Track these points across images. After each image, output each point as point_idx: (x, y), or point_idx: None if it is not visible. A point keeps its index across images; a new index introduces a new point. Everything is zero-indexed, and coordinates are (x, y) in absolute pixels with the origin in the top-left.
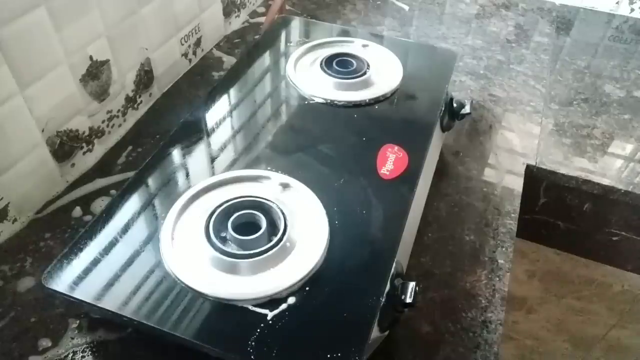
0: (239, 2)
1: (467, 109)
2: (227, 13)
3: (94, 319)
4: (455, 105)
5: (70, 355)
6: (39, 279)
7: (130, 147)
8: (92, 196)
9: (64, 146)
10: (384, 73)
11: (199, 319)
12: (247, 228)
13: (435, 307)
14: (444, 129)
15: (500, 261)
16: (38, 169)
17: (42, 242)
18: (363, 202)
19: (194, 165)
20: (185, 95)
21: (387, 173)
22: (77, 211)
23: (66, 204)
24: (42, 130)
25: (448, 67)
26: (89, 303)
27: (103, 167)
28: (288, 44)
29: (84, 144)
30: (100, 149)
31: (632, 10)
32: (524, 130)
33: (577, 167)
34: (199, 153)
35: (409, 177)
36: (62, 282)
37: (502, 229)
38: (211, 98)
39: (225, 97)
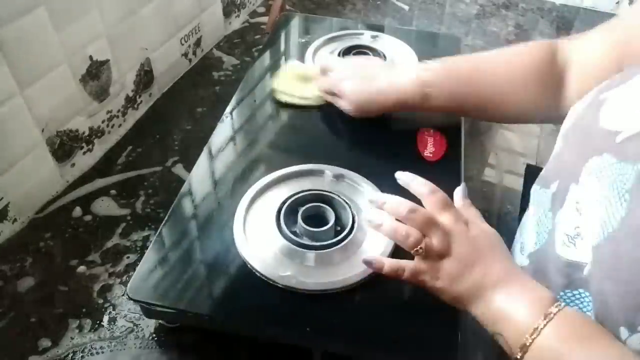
0: (239, 2)
1: None
2: (227, 13)
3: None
4: None
5: (70, 355)
6: (39, 279)
7: (130, 147)
8: (92, 196)
9: (64, 146)
10: (400, 61)
11: (291, 314)
12: (313, 220)
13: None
14: None
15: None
16: (38, 169)
17: (42, 242)
18: None
19: (243, 166)
20: (185, 95)
21: (431, 155)
22: (77, 211)
23: (66, 204)
24: (42, 130)
25: (455, 50)
26: (181, 310)
27: (103, 167)
28: (300, 40)
29: (84, 144)
30: (100, 149)
31: None
32: (524, 130)
33: None
34: (246, 154)
35: (451, 156)
36: (147, 292)
37: (502, 228)
38: (237, 100)
39: (249, 99)
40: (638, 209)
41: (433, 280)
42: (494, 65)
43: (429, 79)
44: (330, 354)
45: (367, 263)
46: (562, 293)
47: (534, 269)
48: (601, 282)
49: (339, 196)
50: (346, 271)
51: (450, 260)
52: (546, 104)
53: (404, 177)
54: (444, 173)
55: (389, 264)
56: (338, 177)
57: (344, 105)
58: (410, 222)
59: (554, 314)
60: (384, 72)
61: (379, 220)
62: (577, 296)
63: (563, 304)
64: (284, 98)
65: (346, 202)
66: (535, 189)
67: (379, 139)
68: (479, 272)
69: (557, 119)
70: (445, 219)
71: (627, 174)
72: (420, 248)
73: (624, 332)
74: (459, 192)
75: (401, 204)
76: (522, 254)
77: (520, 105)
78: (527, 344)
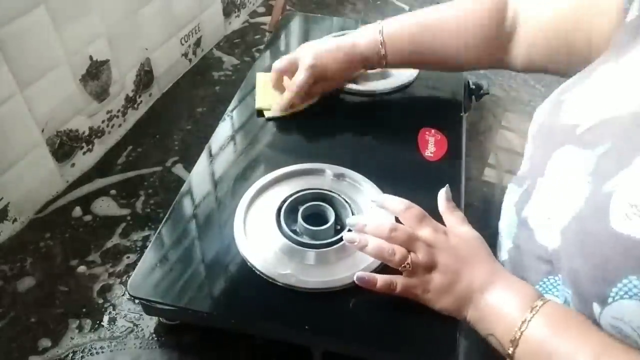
0: (239, 2)
1: (485, 89)
2: (227, 13)
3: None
4: (473, 86)
5: (70, 355)
6: (39, 279)
7: (130, 147)
8: (92, 196)
9: (64, 146)
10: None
11: (293, 309)
12: (313, 219)
13: None
14: (465, 109)
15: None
16: (38, 169)
17: (42, 242)
18: (418, 184)
19: (244, 165)
20: (185, 95)
21: (431, 155)
22: (77, 211)
23: (66, 204)
24: (42, 130)
25: None
26: (181, 307)
27: (103, 167)
28: (301, 40)
29: (84, 144)
30: (100, 149)
31: None
32: (524, 130)
33: None
34: (247, 153)
35: (452, 156)
36: (147, 289)
37: None
38: (239, 102)
39: (251, 98)
40: (600, 187)
41: (425, 293)
42: (443, 23)
43: (385, 40)
44: (330, 353)
45: (360, 280)
46: (545, 280)
47: (512, 263)
48: (571, 260)
49: (339, 195)
50: (346, 270)
51: (437, 273)
52: (490, 60)
53: (378, 199)
54: (445, 173)
55: (382, 279)
56: (339, 177)
57: (303, 68)
58: (393, 241)
59: (540, 307)
60: (344, 37)
61: (363, 242)
62: (558, 281)
63: (547, 298)
64: (269, 114)
65: (346, 201)
66: (510, 188)
67: (380, 139)
68: (465, 279)
69: (504, 68)
70: (425, 232)
71: (589, 159)
72: (408, 264)
73: (596, 308)
74: (442, 195)
75: (381, 225)
76: (500, 252)
77: (467, 58)
78: (517, 337)
